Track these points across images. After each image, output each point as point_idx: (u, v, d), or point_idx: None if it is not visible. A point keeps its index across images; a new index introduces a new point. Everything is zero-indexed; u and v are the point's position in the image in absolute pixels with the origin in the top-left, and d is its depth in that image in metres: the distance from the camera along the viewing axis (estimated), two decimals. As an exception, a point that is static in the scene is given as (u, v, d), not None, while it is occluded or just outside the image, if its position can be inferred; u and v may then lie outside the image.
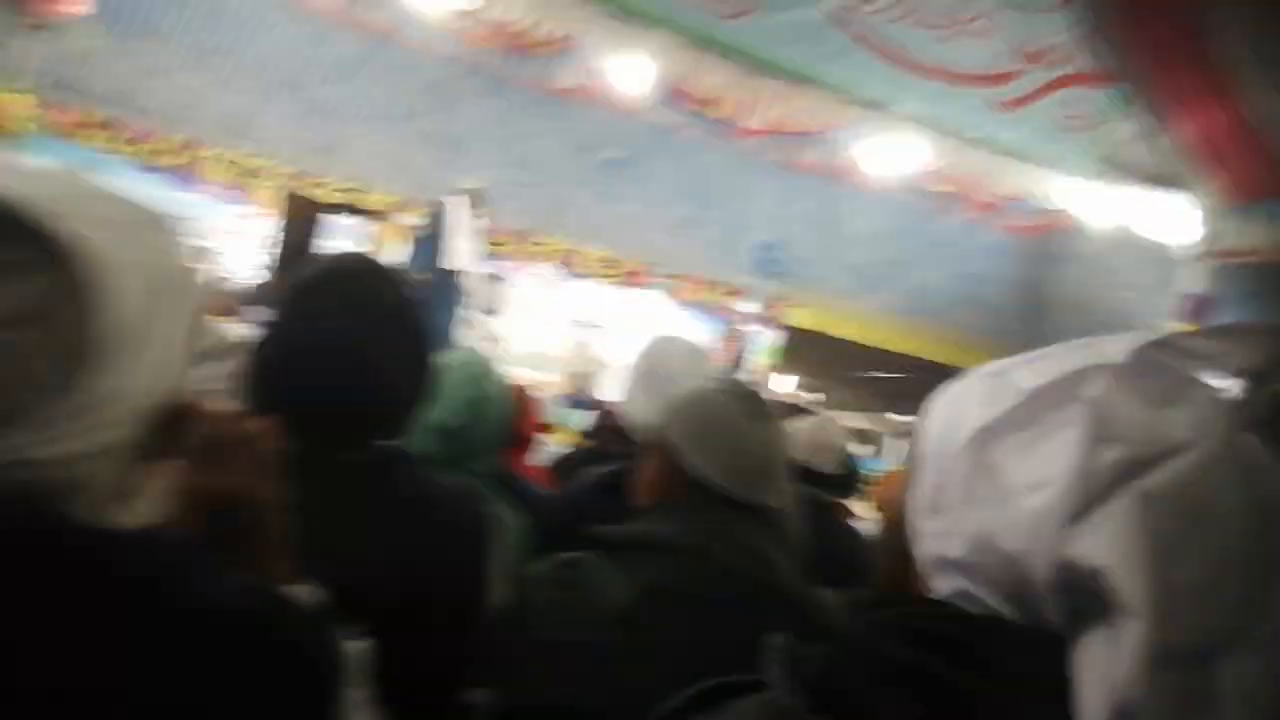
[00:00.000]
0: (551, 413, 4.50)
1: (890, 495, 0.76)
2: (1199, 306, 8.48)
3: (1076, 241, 11.23)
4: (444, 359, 1.85)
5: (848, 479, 2.88)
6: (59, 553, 0.56)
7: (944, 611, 0.62)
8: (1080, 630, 0.54)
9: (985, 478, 0.61)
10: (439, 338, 6.62)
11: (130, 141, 9.67)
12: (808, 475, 2.46)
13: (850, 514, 3.01)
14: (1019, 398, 0.61)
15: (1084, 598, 0.53)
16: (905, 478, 0.73)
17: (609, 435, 3.78)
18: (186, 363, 0.65)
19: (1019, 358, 0.68)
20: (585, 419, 5.17)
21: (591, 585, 1.07)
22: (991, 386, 0.65)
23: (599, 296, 11.30)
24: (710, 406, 1.18)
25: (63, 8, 5.57)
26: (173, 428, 0.65)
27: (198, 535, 0.78)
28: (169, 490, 0.69)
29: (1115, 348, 0.60)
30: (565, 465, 3.77)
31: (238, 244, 10.12)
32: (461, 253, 6.93)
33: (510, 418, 2.11)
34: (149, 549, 0.61)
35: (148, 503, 0.66)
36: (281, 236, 4.94)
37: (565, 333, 11.02)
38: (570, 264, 11.24)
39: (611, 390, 8.86)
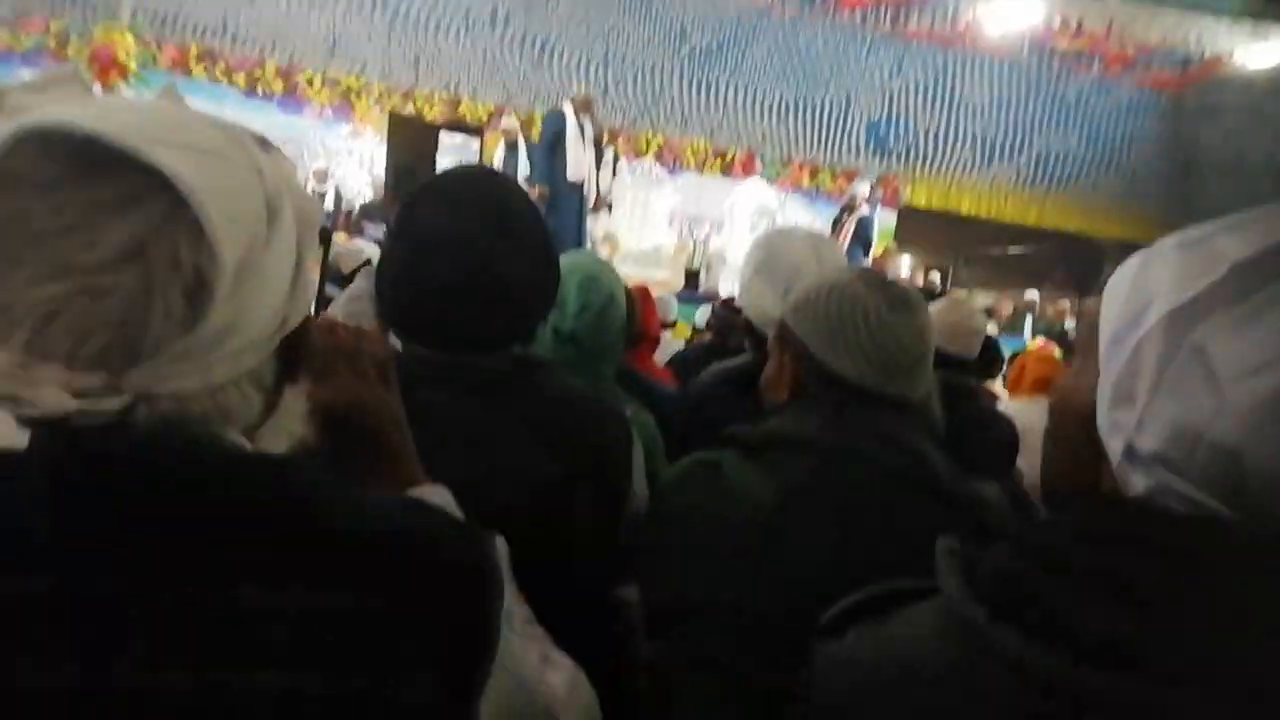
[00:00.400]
0: (670, 309, 4.48)
1: (1062, 381, 0.69)
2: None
3: (1227, 92, 10.22)
4: (563, 264, 1.84)
5: (988, 362, 2.75)
6: (214, 480, 0.57)
7: (1144, 510, 0.56)
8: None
9: (1188, 362, 0.54)
10: (561, 243, 6.81)
11: (229, 71, 9.94)
12: (945, 360, 2.36)
13: (994, 397, 2.89)
14: (1225, 269, 0.53)
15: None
16: (1082, 362, 0.66)
17: (727, 328, 3.76)
18: (307, 285, 0.64)
19: (1217, 224, 0.59)
20: (702, 313, 5.13)
21: (733, 486, 1.04)
22: (1189, 258, 0.56)
23: (705, 188, 11.10)
24: (842, 297, 1.09)
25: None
26: (297, 349, 0.65)
27: (324, 450, 0.80)
28: (302, 412, 0.70)
29: None
30: (688, 361, 3.78)
31: (347, 162, 10.41)
32: (578, 160, 6.93)
33: (631, 318, 2.08)
34: (299, 471, 0.61)
35: (286, 426, 0.67)
36: (389, 157, 5.00)
37: (674, 227, 10.91)
38: (671, 157, 11.03)
39: (726, 282, 8.84)
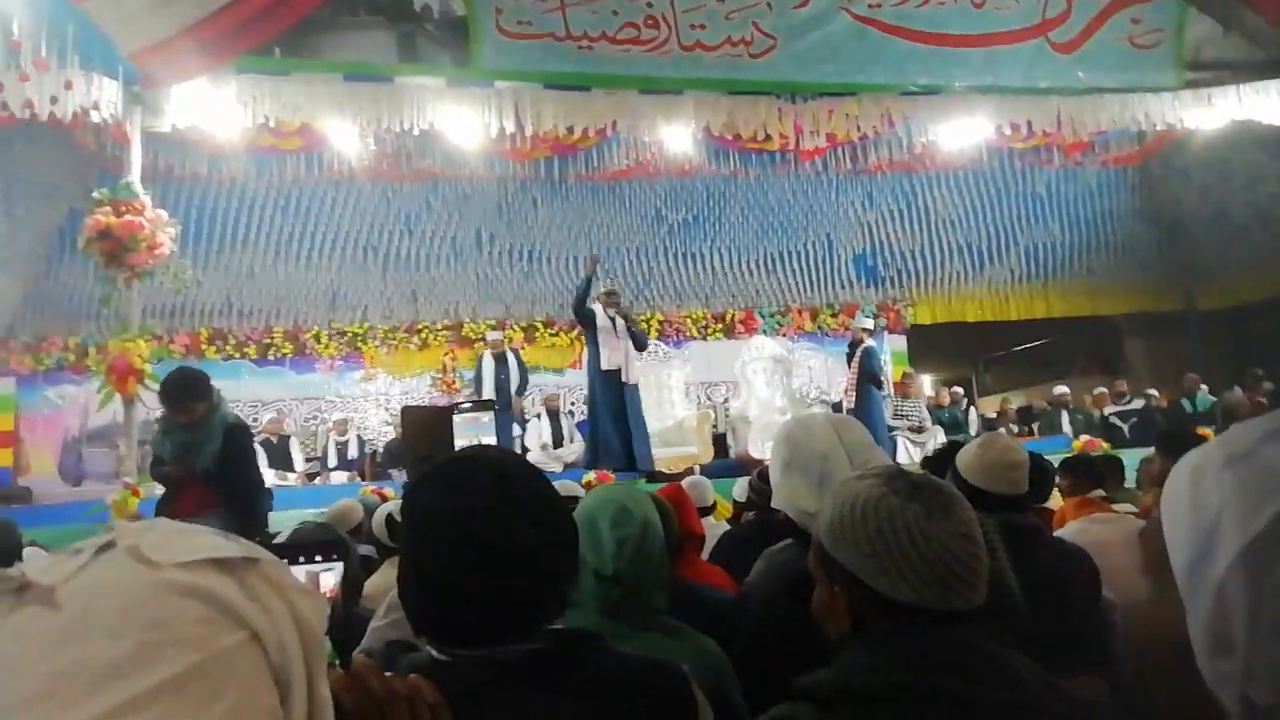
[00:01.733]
0: (706, 493, 4.40)
1: (1146, 611, 0.63)
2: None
3: (1189, 153, 10.50)
4: (590, 503, 1.80)
5: (1039, 485, 2.65)
6: None
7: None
8: None
9: (1278, 602, 0.49)
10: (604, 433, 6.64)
11: (239, 345, 10.37)
12: (997, 503, 2.26)
13: (1049, 528, 2.77)
14: None
15: None
16: (1159, 589, 0.60)
17: (766, 496, 3.66)
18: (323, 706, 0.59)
19: (1254, 427, 0.55)
20: (740, 487, 5.04)
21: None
22: (1244, 481, 0.52)
23: (712, 354, 11.24)
24: (877, 514, 1.03)
25: (151, 255, 6.05)
26: None
27: None
28: None
29: None
30: (738, 543, 3.66)
31: (364, 407, 10.66)
32: (613, 350, 7.31)
33: (669, 532, 2.02)
34: None
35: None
36: (406, 453, 5.12)
37: (691, 399, 10.96)
38: (673, 331, 11.25)
39: (755, 443, 8.78)
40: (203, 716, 0.47)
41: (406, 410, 5.72)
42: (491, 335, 9.33)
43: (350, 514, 4.19)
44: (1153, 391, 9.85)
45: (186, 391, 3.97)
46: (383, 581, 2.94)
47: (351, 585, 2.32)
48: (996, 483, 2.32)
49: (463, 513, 1.11)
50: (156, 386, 6.40)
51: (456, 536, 1.11)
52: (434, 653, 1.08)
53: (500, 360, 8.81)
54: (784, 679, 1.08)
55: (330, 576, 1.70)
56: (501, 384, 8.64)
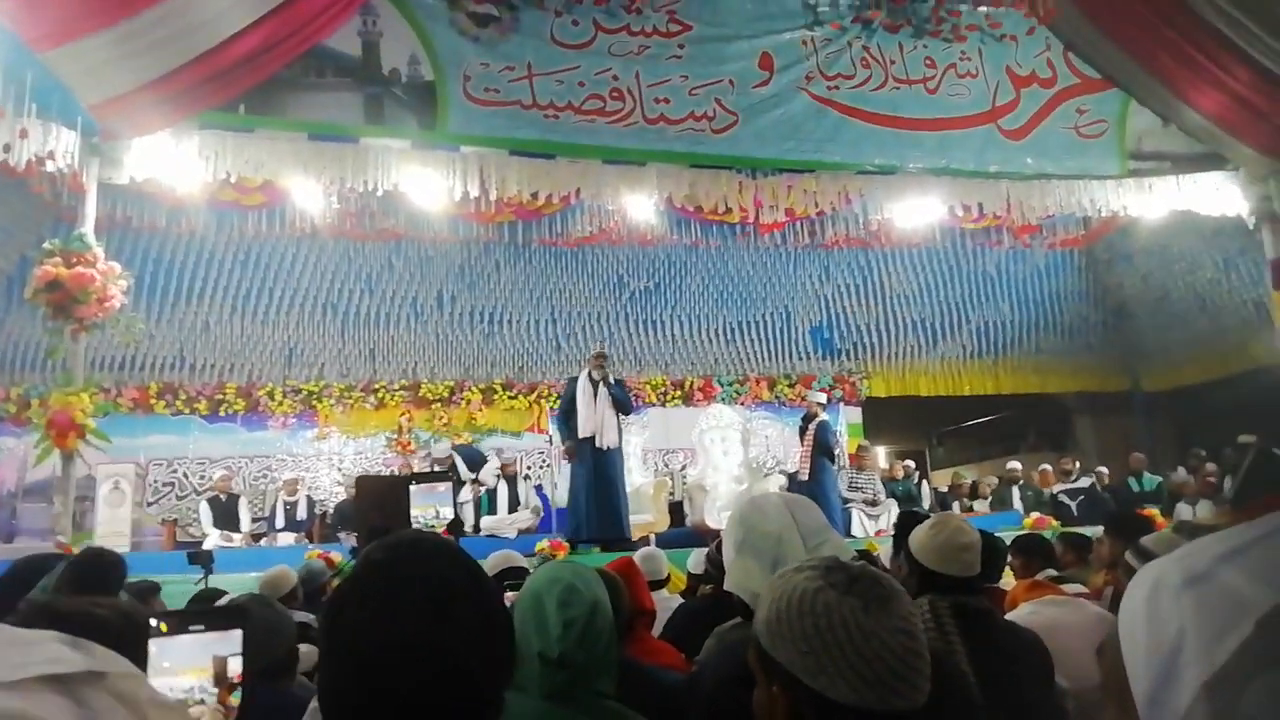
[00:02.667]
0: (660, 566, 4.34)
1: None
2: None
3: (1132, 238, 10.91)
4: (537, 581, 1.75)
5: (990, 565, 2.65)
6: None
7: None
8: None
9: None
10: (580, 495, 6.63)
11: (190, 401, 10.13)
12: (948, 585, 2.25)
13: (1001, 609, 2.76)
14: (1250, 627, 0.49)
15: None
16: (1119, 713, 0.60)
17: (724, 572, 3.62)
18: None
19: (1207, 546, 0.55)
20: (695, 559, 4.99)
21: None
22: (1204, 604, 0.52)
23: (671, 421, 11.22)
24: (812, 610, 1.00)
25: (100, 308, 5.92)
26: None
27: None
28: None
29: None
30: (691, 616, 3.59)
31: (316, 466, 10.42)
32: (587, 417, 7.25)
33: (619, 611, 1.98)
34: None
35: None
36: (359, 523, 4.95)
37: (648, 465, 10.89)
38: (632, 397, 11.20)
39: (710, 514, 8.73)
40: None
41: (361, 480, 5.58)
42: (504, 459, 9.40)
43: (282, 580, 4.05)
44: (1102, 469, 10.02)
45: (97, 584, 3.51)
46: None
47: (274, 659, 2.18)
48: (948, 564, 2.31)
49: (394, 643, 1.04)
50: (100, 442, 6.24)
51: (386, 665, 1.04)
52: None
53: (511, 482, 8.94)
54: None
55: (222, 645, 1.61)
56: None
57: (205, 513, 8.94)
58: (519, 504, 9.23)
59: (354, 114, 7.06)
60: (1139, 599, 0.58)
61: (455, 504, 3.92)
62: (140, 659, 1.47)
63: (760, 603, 1.13)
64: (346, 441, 10.59)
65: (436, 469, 8.80)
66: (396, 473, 9.89)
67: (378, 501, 3.93)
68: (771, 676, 1.07)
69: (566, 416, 7.49)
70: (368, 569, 1.08)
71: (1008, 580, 3.99)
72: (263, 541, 8.86)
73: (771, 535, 1.73)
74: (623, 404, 7.43)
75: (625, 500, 7.41)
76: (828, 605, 1.03)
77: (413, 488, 3.66)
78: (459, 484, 8.42)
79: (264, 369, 10.47)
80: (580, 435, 7.26)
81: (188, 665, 1.63)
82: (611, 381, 7.39)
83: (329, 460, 10.50)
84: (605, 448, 7.25)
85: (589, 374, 7.33)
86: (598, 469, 7.22)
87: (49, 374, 8.06)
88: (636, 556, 4.14)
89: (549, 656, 1.64)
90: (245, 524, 8.95)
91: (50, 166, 5.95)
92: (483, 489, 9.03)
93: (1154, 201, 8.25)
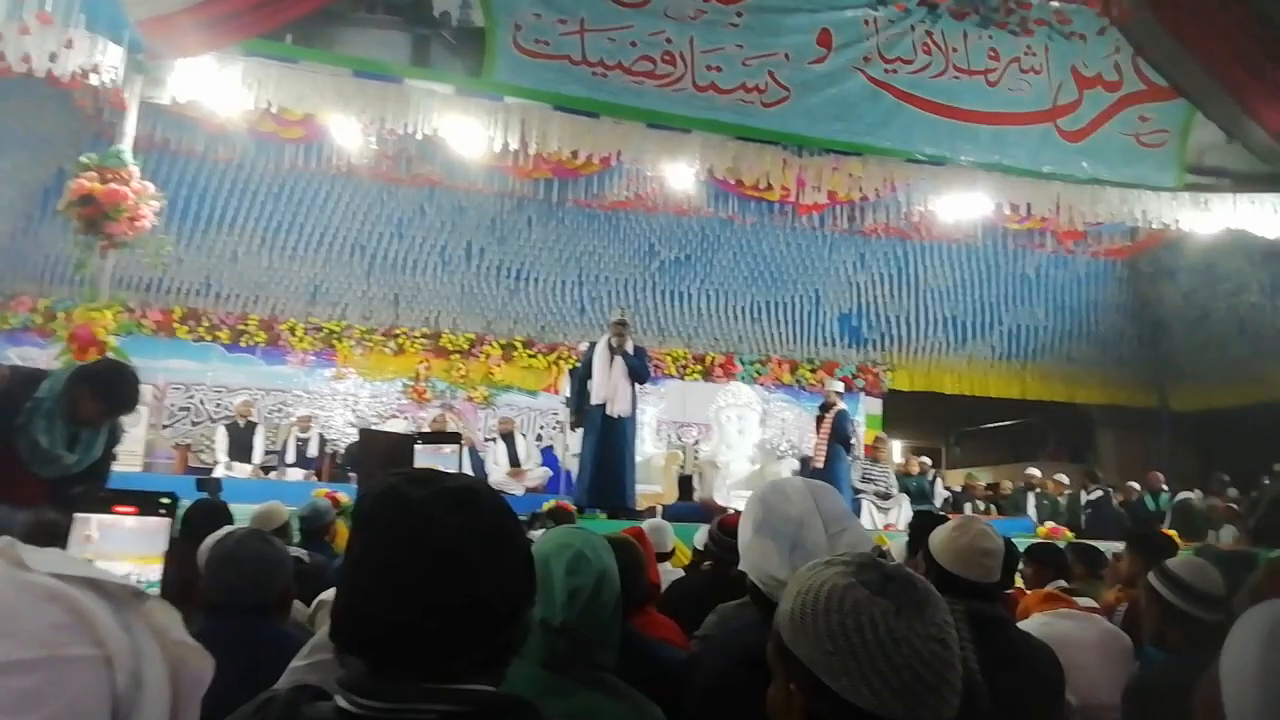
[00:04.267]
0: (666, 538, 4.30)
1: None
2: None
3: (1179, 254, 10.65)
4: (547, 544, 1.69)
5: (1002, 575, 2.57)
6: None
7: None
8: None
9: None
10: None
11: (212, 328, 10.18)
12: (966, 589, 2.18)
13: (1013, 617, 2.68)
14: None
15: None
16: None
17: (726, 553, 3.57)
18: None
19: None
20: (700, 535, 4.95)
21: None
22: None
23: (689, 394, 11.17)
24: (841, 608, 0.95)
25: (131, 226, 5.89)
26: None
27: None
28: None
29: None
30: (689, 593, 3.55)
31: (331, 405, 10.45)
32: (601, 384, 7.17)
33: (626, 584, 1.92)
34: None
35: None
36: (360, 480, 4.90)
37: (662, 436, 10.86)
38: (653, 367, 11.14)
39: (719, 491, 8.69)
40: (20, 708, 0.48)
41: (366, 433, 5.55)
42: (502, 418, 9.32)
43: (273, 516, 4.09)
44: (1133, 484, 9.88)
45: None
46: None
47: (270, 595, 2.16)
48: (969, 568, 2.23)
49: (423, 512, 0.98)
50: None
51: (409, 533, 0.98)
52: (341, 702, 0.95)
53: (508, 439, 8.94)
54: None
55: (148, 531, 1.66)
56: None
57: (221, 438, 9.02)
58: (518, 462, 9.23)
59: (400, 54, 6.96)
60: (1251, 639, 0.51)
61: (460, 468, 3.85)
62: None
63: (785, 594, 1.06)
64: (363, 384, 10.60)
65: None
66: (411, 421, 9.92)
67: (382, 458, 3.91)
68: (790, 673, 1.00)
69: (582, 382, 7.44)
70: (407, 474, 1.02)
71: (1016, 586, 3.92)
72: (271, 475, 8.91)
73: (792, 519, 1.66)
74: (638, 372, 7.33)
75: (632, 470, 7.36)
76: (857, 604, 0.95)
77: (418, 447, 3.62)
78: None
79: (287, 304, 10.48)
80: (593, 401, 7.21)
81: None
82: (630, 350, 7.28)
83: (344, 400, 10.52)
84: (616, 415, 7.17)
85: (608, 340, 7.24)
86: (606, 436, 7.16)
87: (77, 288, 8.07)
88: (644, 526, 4.10)
89: (551, 624, 1.58)
90: (258, 455, 9.02)
91: (94, 80, 5.91)
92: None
93: (1208, 218, 8.02)
